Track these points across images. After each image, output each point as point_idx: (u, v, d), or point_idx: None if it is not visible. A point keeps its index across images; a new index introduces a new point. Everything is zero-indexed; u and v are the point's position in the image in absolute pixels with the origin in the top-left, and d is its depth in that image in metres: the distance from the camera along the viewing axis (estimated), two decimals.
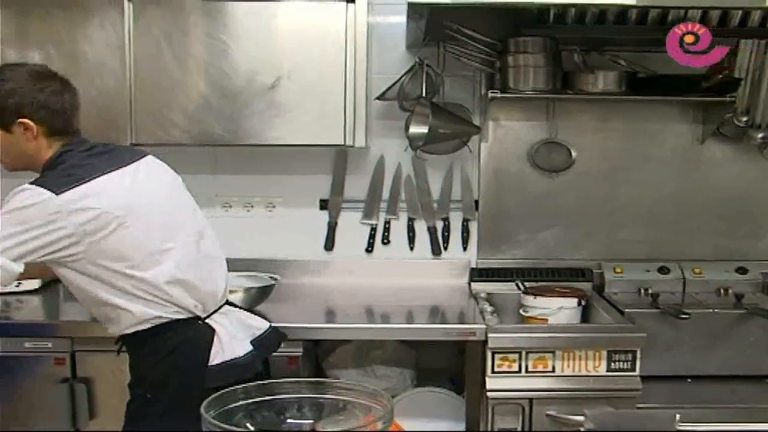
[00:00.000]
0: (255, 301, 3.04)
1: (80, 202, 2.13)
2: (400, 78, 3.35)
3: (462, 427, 3.02)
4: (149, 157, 2.44)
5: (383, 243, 3.60)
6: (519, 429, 2.85)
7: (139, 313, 2.27)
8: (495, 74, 3.33)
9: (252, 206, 3.58)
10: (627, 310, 3.07)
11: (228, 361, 2.35)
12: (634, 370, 2.85)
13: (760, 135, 3.43)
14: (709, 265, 3.50)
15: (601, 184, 3.57)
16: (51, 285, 3.45)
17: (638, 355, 2.84)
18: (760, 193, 3.59)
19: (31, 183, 2.16)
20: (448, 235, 3.56)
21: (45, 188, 2.13)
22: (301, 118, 3.09)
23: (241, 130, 3.11)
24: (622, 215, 3.59)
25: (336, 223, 3.60)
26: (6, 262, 2.12)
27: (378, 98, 3.36)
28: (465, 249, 3.60)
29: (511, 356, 2.83)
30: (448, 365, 3.43)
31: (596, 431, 1.52)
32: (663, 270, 3.47)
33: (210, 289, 2.40)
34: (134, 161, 2.36)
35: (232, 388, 1.78)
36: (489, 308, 3.09)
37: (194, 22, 3.06)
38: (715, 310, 3.11)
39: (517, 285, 3.33)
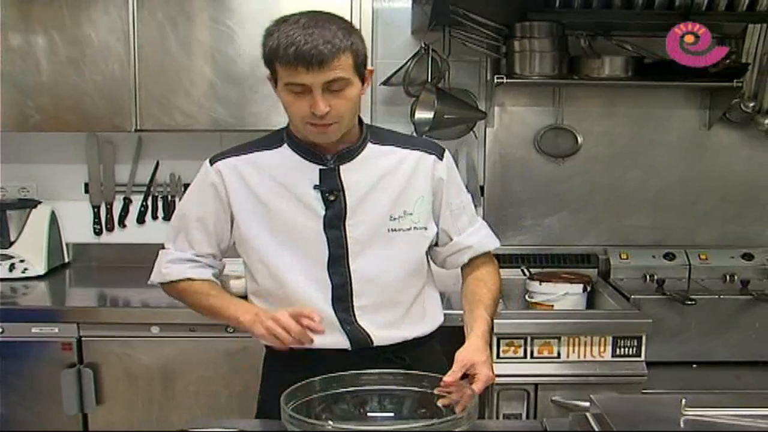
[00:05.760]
0: None
1: None
2: (406, 63, 3.34)
3: None
4: None
5: None
6: (524, 414, 2.85)
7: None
8: (501, 59, 3.32)
9: None
10: (633, 296, 3.06)
11: None
12: (639, 356, 2.85)
13: (767, 121, 3.42)
14: (715, 251, 3.49)
15: (607, 169, 3.56)
16: (57, 270, 3.46)
17: (644, 341, 2.84)
18: (766, 179, 3.57)
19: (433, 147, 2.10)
20: None
21: None
22: None
23: (247, 116, 3.11)
24: (629, 201, 3.58)
25: None
26: None
27: (383, 83, 3.36)
28: None
29: (516, 342, 2.83)
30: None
31: (602, 415, 1.52)
32: (669, 256, 3.46)
33: None
34: None
35: (311, 379, 1.76)
36: None
37: (199, 7, 3.05)
38: (721, 297, 3.10)
39: (522, 271, 3.34)
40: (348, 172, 1.98)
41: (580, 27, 3.30)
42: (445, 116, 3.23)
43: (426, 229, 2.04)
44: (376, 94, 3.37)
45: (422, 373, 1.80)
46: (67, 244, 3.58)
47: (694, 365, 3.07)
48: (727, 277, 3.40)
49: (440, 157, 2.07)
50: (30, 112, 3.08)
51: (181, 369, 2.91)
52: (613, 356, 2.85)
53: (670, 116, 3.54)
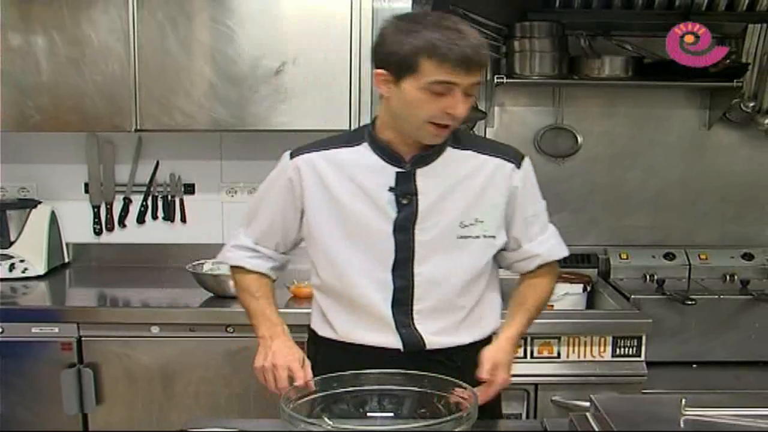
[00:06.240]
0: None
1: None
2: None
3: None
4: None
5: None
6: (524, 414, 2.85)
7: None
8: (501, 59, 3.32)
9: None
10: (633, 296, 3.06)
11: None
12: (639, 355, 2.85)
13: (767, 120, 3.42)
14: (715, 251, 3.49)
15: (607, 169, 3.56)
16: (57, 270, 3.46)
17: (644, 341, 2.85)
18: (766, 179, 3.58)
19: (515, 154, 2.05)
20: None
21: None
22: (306, 103, 3.09)
23: (246, 116, 3.11)
24: (629, 201, 3.58)
25: None
26: None
27: None
28: None
29: None
30: None
31: (602, 415, 1.52)
32: (669, 256, 3.46)
33: None
34: None
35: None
36: None
37: (199, 7, 3.05)
38: (721, 297, 3.11)
39: None
40: (424, 176, 1.96)
41: (580, 27, 3.30)
42: None
43: (495, 237, 2.01)
44: (376, 93, 3.35)
45: (422, 373, 1.80)
46: (67, 244, 3.58)
47: (694, 365, 3.07)
48: (727, 277, 3.40)
49: (518, 165, 2.03)
50: (30, 112, 3.08)
51: (180, 369, 2.91)
52: (613, 356, 2.85)
53: (670, 116, 3.54)
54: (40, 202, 3.46)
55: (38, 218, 3.41)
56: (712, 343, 3.05)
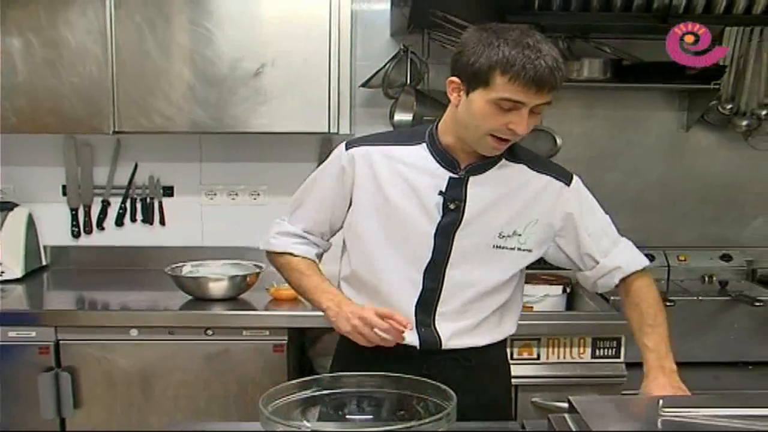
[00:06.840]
0: (240, 289, 3.03)
1: None
2: (385, 65, 3.33)
3: None
4: None
5: None
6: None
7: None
8: None
9: (237, 194, 3.57)
10: (612, 297, 3.06)
11: None
12: (618, 357, 2.86)
13: (744, 122, 3.45)
14: (694, 252, 3.51)
15: (586, 171, 3.47)
16: (35, 273, 3.43)
17: (623, 342, 2.85)
18: (744, 180, 3.60)
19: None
20: None
21: None
22: (285, 105, 3.08)
23: (225, 118, 3.10)
24: (607, 202, 3.51)
25: None
26: None
27: (362, 85, 3.35)
28: None
29: None
30: None
31: (581, 416, 1.52)
32: (648, 257, 3.40)
33: None
34: None
35: (288, 382, 1.76)
36: None
37: (177, 9, 3.04)
38: (700, 298, 3.12)
39: None
40: (475, 185, 1.98)
41: (558, 29, 3.30)
42: (425, 118, 3.22)
43: (531, 251, 2.04)
44: (355, 96, 3.36)
45: (400, 375, 1.79)
46: (44, 247, 3.56)
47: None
48: (706, 278, 3.42)
49: (568, 183, 2.08)
50: (7, 114, 3.05)
51: (160, 372, 2.89)
52: (592, 357, 2.86)
53: (648, 118, 3.55)
54: (17, 205, 3.44)
55: (15, 221, 3.39)
56: (691, 344, 3.06)
